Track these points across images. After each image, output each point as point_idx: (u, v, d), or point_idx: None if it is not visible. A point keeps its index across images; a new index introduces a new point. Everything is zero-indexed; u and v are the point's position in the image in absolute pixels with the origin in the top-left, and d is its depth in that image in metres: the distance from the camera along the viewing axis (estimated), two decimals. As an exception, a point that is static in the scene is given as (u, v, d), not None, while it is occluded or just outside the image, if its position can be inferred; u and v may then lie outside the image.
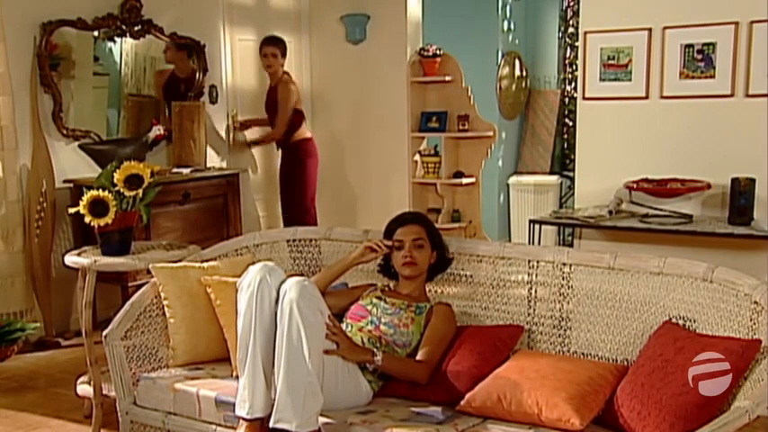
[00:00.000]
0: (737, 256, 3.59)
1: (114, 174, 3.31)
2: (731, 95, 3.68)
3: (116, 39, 5.19)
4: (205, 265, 3.21)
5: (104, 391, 3.34)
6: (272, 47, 5.69)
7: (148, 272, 3.15)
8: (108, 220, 3.26)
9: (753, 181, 3.51)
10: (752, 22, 3.60)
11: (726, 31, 3.65)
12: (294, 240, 3.50)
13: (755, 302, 2.47)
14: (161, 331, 3.10)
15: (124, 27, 5.16)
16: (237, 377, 2.66)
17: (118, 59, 5.27)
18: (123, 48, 5.27)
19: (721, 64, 3.67)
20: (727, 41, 3.64)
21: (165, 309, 3.06)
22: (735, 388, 2.25)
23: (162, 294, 3.06)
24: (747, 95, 3.65)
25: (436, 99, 6.34)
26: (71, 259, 3.45)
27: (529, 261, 3.01)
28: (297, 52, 6.57)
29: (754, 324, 2.45)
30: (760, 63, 3.59)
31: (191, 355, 3.05)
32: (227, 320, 2.96)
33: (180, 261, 3.26)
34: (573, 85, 7.23)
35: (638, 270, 2.78)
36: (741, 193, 3.52)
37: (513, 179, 7.42)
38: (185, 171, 5.20)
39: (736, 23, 3.63)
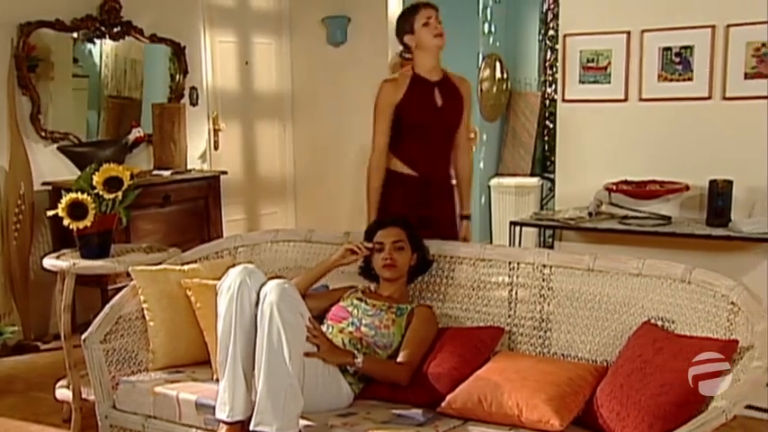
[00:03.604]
0: (715, 257, 3.62)
1: (93, 176, 3.29)
2: (708, 98, 3.70)
3: (95, 40, 5.16)
4: (185, 267, 3.20)
5: (83, 395, 3.32)
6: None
7: (128, 275, 3.13)
8: (87, 222, 3.25)
9: (730, 183, 3.54)
10: (728, 26, 3.63)
11: (703, 35, 3.67)
12: (275, 242, 3.50)
13: (732, 303, 2.49)
14: (141, 334, 3.08)
15: (103, 28, 5.13)
16: (218, 380, 2.65)
17: (98, 61, 5.24)
18: (103, 49, 5.24)
19: (699, 67, 3.70)
20: (705, 44, 3.67)
21: (145, 312, 3.04)
22: (713, 388, 2.26)
23: (141, 297, 3.04)
24: (724, 98, 3.67)
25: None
26: (49, 262, 3.43)
27: (509, 263, 3.03)
28: (278, 54, 6.56)
29: (731, 324, 2.48)
30: (736, 66, 3.62)
31: (170, 359, 3.04)
32: (207, 323, 2.95)
33: (160, 264, 3.24)
34: (553, 87, 7.26)
35: (617, 271, 2.81)
36: (719, 194, 3.54)
37: (494, 181, 7.44)
38: (166, 173, 5.17)
39: (713, 27, 3.65)
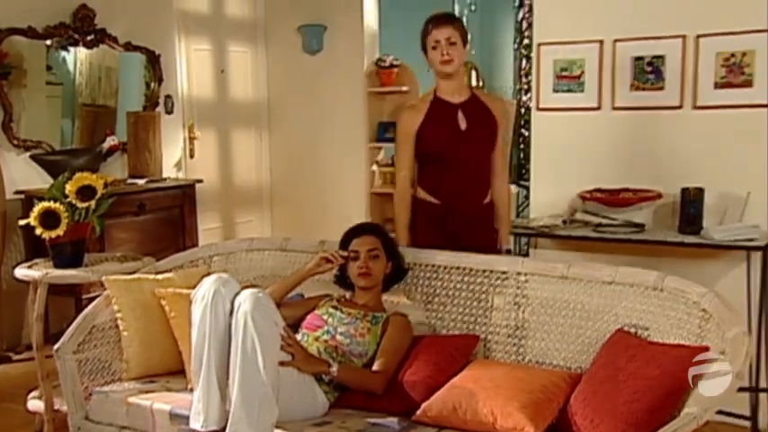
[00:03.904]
0: (688, 264, 3.65)
1: (66, 185, 3.27)
2: (680, 107, 3.74)
3: (69, 48, 5.12)
4: (159, 276, 3.18)
5: (56, 406, 3.29)
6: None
7: (102, 284, 3.11)
8: (59, 231, 3.22)
9: (701, 191, 3.58)
10: (698, 36, 3.68)
11: (674, 45, 3.72)
12: (250, 251, 3.49)
13: (704, 310, 2.52)
14: (114, 344, 3.06)
15: (77, 36, 5.09)
16: (192, 390, 2.64)
17: (72, 69, 5.21)
18: (77, 57, 5.20)
19: (670, 76, 3.74)
20: (676, 54, 3.71)
21: (119, 321, 3.02)
22: (684, 394, 2.28)
23: (115, 307, 3.02)
24: (695, 107, 3.72)
25: (393, 109, 6.36)
26: (22, 272, 3.39)
27: (484, 271, 3.04)
28: (253, 62, 6.56)
29: (702, 331, 2.50)
30: (707, 76, 3.67)
31: (144, 368, 3.02)
32: (181, 333, 2.93)
33: (134, 273, 3.23)
34: (528, 95, 7.30)
35: (590, 279, 2.83)
36: (690, 202, 3.58)
37: (470, 189, 7.46)
38: (141, 182, 5.14)
39: (684, 37, 3.70)
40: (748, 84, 3.60)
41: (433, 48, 3.24)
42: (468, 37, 3.34)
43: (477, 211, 3.36)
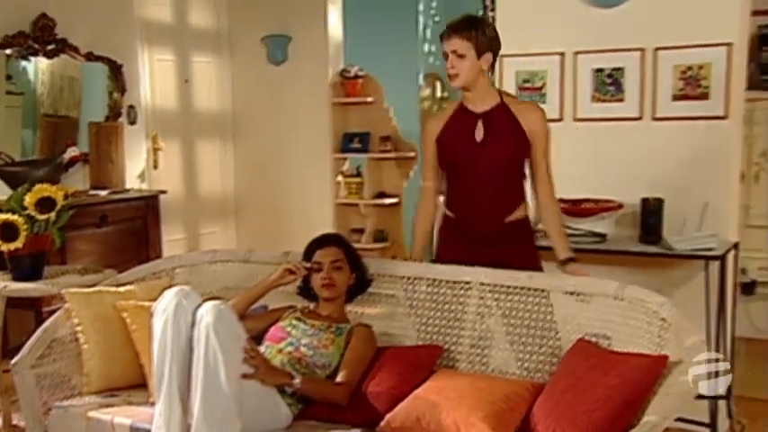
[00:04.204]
0: (649, 273, 3.71)
1: (25, 196, 3.23)
2: (639, 118, 3.81)
3: (30, 57, 5.06)
4: (121, 289, 3.15)
5: (14, 422, 3.25)
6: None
7: (63, 297, 3.07)
8: (18, 244, 3.19)
9: (661, 201, 3.64)
10: (656, 49, 3.75)
11: (633, 57, 3.78)
12: (213, 263, 3.47)
13: (663, 319, 2.56)
14: (74, 358, 3.01)
15: (37, 46, 5.02)
16: (153, 403, 2.61)
17: (32, 78, 5.14)
18: (38, 67, 5.14)
19: (630, 88, 3.80)
20: (635, 67, 3.78)
21: (79, 335, 2.98)
22: (644, 403, 2.31)
23: (75, 320, 2.98)
24: (654, 118, 3.78)
25: (358, 120, 6.38)
26: (-21, 285, 3.34)
27: (447, 281, 3.05)
28: (218, 72, 6.53)
29: (662, 340, 2.54)
30: (665, 88, 3.74)
31: (105, 382, 2.98)
32: (143, 345, 2.90)
33: (95, 286, 3.19)
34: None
35: (552, 289, 2.85)
36: (651, 212, 3.64)
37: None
38: (103, 193, 5.09)
39: (642, 50, 3.77)
40: (705, 96, 3.67)
41: (445, 59, 3.07)
42: (486, 41, 3.00)
43: (497, 228, 3.07)
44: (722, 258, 3.51)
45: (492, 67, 3.09)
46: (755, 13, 4.20)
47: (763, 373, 4.40)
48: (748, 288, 5.05)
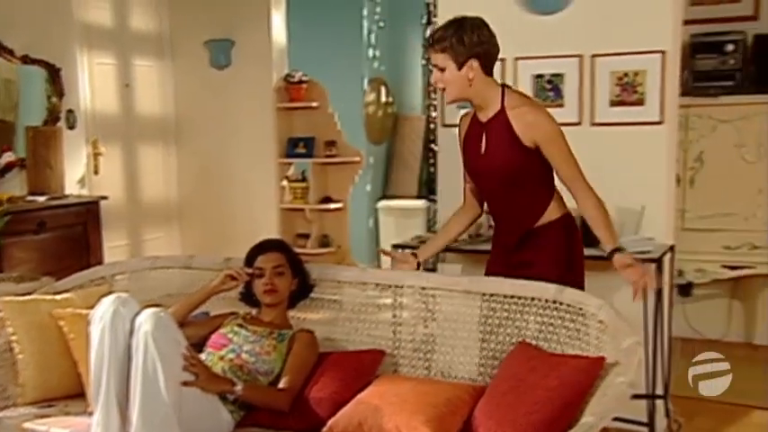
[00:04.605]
0: (587, 276, 3.75)
1: (-43, 203, 3.15)
2: (579, 123, 3.87)
3: (-36, 60, 4.95)
4: (58, 297, 3.09)
5: (-54, 435, 3.15)
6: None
7: (-4, 306, 3.00)
8: (-50, 252, 3.10)
9: (601, 204, 3.70)
10: (593, 56, 3.82)
11: (572, 63, 3.85)
12: (154, 269, 3.42)
13: (600, 321, 2.60)
14: (9, 368, 2.94)
15: (-30, 48, 4.92)
16: (92, 413, 2.56)
17: (-34, 82, 5.02)
18: (-27, 70, 5.02)
19: (569, 94, 3.87)
20: (574, 73, 3.85)
21: (13, 344, 2.92)
22: (582, 404, 2.35)
23: (9, 329, 2.92)
24: (593, 124, 3.86)
25: (303, 125, 6.36)
26: None
27: (390, 286, 3.06)
28: (159, 76, 6.44)
29: (600, 342, 2.58)
30: (603, 94, 3.81)
31: (41, 392, 2.92)
32: (80, 354, 2.85)
33: (31, 293, 3.12)
34: (436, 111, 7.42)
35: (493, 293, 2.88)
36: (591, 216, 3.70)
37: (381, 204, 7.52)
38: (41, 199, 4.98)
39: (581, 56, 3.84)
40: (640, 102, 3.76)
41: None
42: (465, 49, 2.83)
43: (520, 234, 2.98)
44: (659, 261, 3.58)
45: (488, 71, 2.92)
46: (687, 22, 4.30)
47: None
48: (685, 290, 5.17)
